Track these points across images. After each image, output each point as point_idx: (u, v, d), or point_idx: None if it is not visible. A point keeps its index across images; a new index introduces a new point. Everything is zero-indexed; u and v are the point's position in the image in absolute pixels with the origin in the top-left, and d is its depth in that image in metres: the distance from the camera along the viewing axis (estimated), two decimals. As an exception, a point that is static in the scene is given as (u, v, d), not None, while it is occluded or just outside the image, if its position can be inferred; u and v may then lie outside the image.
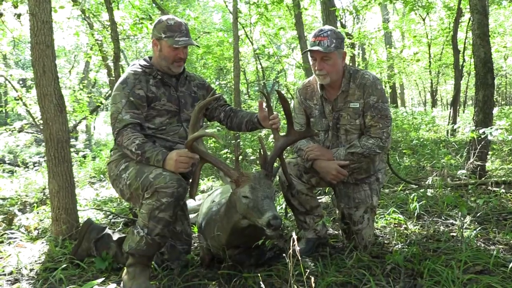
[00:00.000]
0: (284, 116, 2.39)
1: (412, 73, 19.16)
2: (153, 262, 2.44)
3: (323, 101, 2.72)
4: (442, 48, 14.70)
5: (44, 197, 4.55)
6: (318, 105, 2.75)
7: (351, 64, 2.67)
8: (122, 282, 2.32)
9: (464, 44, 11.06)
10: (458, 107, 11.78)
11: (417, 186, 4.59)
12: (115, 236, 2.70)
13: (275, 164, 2.37)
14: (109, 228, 2.91)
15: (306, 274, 1.88)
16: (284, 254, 2.69)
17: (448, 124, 10.26)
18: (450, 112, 11.18)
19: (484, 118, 4.59)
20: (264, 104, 2.59)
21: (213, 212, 2.55)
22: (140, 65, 2.60)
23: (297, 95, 2.87)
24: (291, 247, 1.66)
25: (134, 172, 2.31)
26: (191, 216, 3.29)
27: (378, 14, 19.68)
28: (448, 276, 2.17)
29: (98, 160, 8.09)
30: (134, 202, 2.40)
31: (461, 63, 10.57)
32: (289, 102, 2.65)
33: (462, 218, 3.13)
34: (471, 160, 4.03)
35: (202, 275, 2.48)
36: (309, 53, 2.64)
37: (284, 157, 2.50)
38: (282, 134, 2.44)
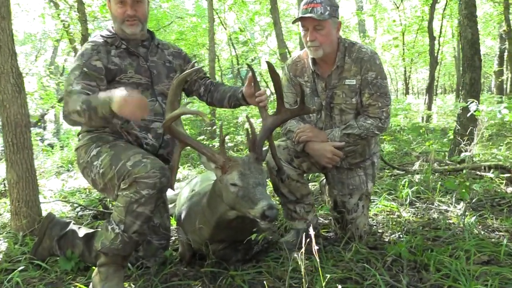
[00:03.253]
0: (274, 93, 2.11)
1: (385, 62, 19.21)
2: (126, 261, 2.13)
3: (315, 77, 2.46)
4: (415, 36, 14.73)
5: (3, 189, 4.13)
6: (310, 82, 2.49)
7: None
8: (91, 284, 2.02)
9: (440, 30, 11.06)
10: (433, 94, 11.83)
11: (403, 172, 4.43)
12: (81, 232, 2.37)
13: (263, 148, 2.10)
14: (75, 223, 2.58)
15: (303, 270, 1.62)
16: (272, 247, 2.44)
17: (425, 110, 10.25)
18: (425, 98, 11.19)
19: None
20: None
21: (194, 203, 2.26)
22: (101, 35, 2.27)
23: (285, 71, 2.59)
24: (303, 244, 1.41)
25: (108, 158, 2.00)
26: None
27: (352, 1, 19.62)
28: (457, 268, 1.96)
29: (67, 150, 7.61)
30: (109, 194, 2.08)
31: (436, 50, 10.56)
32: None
33: (465, 204, 2.95)
34: (463, 143, 3.86)
35: (183, 274, 2.19)
36: (300, 23, 2.36)
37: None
38: (271, 113, 2.16)
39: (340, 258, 2.28)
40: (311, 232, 1.54)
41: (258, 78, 13.29)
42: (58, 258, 2.38)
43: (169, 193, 3.20)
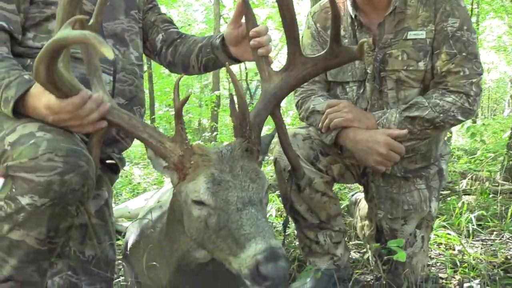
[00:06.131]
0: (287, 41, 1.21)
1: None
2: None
3: (356, 29, 1.64)
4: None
5: None
6: (348, 37, 1.61)
7: None
8: None
9: None
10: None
11: (448, 191, 3.52)
12: None
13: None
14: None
15: None
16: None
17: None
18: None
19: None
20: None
21: (146, 225, 1.33)
22: None
23: (309, 22, 1.74)
24: None
25: None
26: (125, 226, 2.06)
27: None
28: None
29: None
30: None
31: None
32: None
33: None
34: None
35: None
36: None
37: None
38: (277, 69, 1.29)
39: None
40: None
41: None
42: None
43: (135, 205, 2.32)
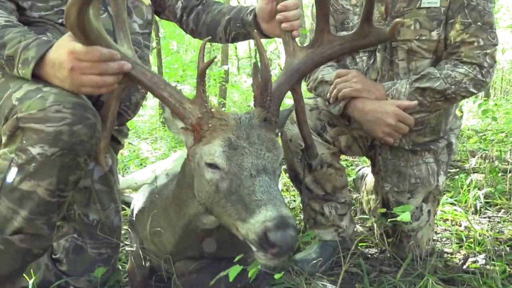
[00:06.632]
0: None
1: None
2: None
3: None
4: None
5: None
6: (360, 5, 1.56)
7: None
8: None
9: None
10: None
11: (457, 170, 3.46)
12: None
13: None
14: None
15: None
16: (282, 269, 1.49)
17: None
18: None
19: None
20: None
21: (152, 191, 1.33)
22: None
23: None
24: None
25: None
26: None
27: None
28: None
29: None
30: None
31: None
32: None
33: None
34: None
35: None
36: None
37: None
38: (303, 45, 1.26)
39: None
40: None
41: (277, 70, 12.28)
42: None
43: (141, 177, 2.33)
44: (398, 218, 1.05)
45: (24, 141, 1.00)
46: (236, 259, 1.09)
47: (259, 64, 1.11)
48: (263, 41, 1.56)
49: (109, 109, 1.09)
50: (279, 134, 1.29)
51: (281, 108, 1.16)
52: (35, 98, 1.01)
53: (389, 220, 1.38)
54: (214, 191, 0.99)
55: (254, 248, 0.91)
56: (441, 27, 1.47)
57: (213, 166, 0.99)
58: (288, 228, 0.87)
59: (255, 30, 1.34)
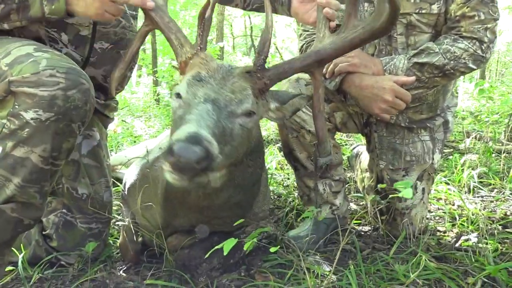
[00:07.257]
0: None
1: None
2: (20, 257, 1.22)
3: None
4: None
5: None
6: None
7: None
8: None
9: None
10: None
11: (451, 150, 3.46)
12: None
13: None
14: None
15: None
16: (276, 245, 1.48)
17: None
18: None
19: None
20: None
21: (144, 165, 1.31)
22: None
23: None
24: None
25: None
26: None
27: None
28: None
29: None
30: None
31: None
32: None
33: None
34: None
35: (115, 285, 1.25)
36: None
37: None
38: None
39: (392, 275, 1.33)
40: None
41: (272, 48, 12.15)
42: None
43: (133, 153, 2.31)
44: (400, 194, 1.04)
45: (17, 106, 0.97)
46: (236, 223, 1.08)
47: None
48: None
49: (131, 46, 1.18)
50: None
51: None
52: (27, 62, 0.98)
53: (385, 198, 1.37)
54: (175, 121, 1.01)
55: (162, 162, 0.89)
56: (442, 0, 1.43)
57: (177, 95, 1.02)
58: (195, 144, 0.83)
59: None
